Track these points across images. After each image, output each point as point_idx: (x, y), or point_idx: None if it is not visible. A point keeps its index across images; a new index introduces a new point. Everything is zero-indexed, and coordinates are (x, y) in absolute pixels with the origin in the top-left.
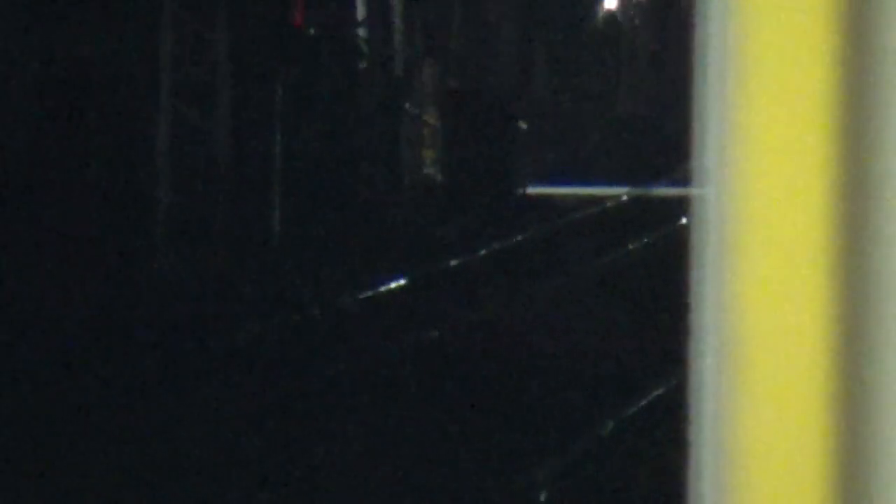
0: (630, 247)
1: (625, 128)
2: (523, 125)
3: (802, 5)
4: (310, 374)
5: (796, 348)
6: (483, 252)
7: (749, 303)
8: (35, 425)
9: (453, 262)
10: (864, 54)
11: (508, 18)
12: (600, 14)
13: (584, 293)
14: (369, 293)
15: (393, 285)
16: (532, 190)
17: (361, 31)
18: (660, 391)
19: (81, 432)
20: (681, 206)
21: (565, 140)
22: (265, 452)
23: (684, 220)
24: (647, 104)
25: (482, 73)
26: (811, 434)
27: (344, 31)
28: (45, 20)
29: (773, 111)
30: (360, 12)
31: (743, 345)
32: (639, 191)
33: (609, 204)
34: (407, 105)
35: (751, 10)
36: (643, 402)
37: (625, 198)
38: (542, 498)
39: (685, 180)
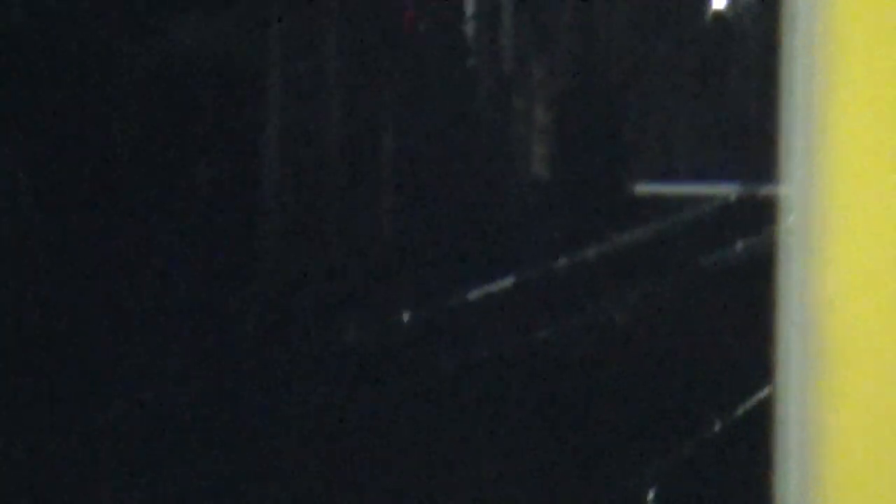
0: (738, 246)
1: (733, 127)
2: (632, 123)
3: (889, 5)
4: (418, 374)
5: (884, 349)
6: (591, 251)
7: (835, 303)
8: (149, 425)
9: (561, 262)
10: None
11: (618, 17)
12: (709, 14)
13: (691, 293)
14: (477, 293)
15: (501, 285)
16: (641, 188)
17: (470, 28)
18: (762, 394)
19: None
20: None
21: (674, 139)
22: (376, 455)
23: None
24: (756, 104)
25: (592, 71)
26: None
27: (453, 28)
28: (156, 14)
29: (859, 110)
30: (469, 9)
31: (830, 346)
32: (747, 189)
33: (717, 203)
34: (516, 102)
35: (839, 10)
36: (745, 405)
37: (733, 196)
38: (650, 497)
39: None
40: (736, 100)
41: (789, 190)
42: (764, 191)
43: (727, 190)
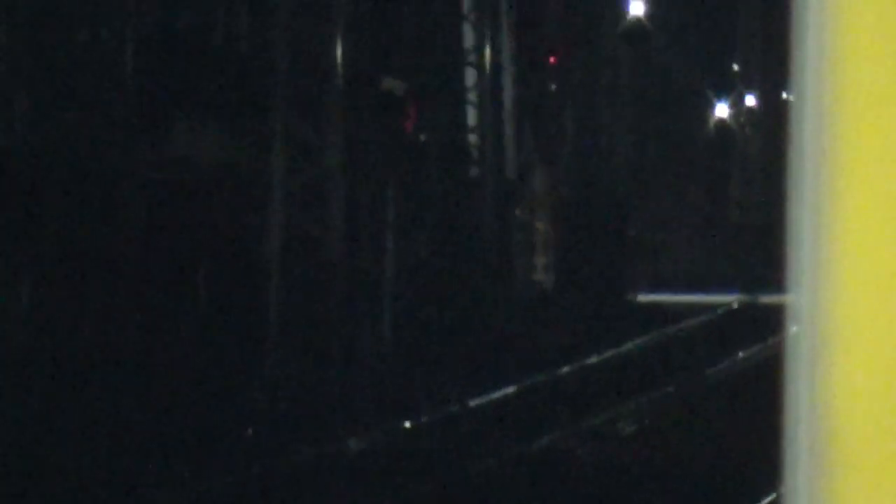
0: (741, 354)
1: (736, 235)
2: (634, 232)
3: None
4: (420, 482)
5: (892, 457)
6: (594, 360)
7: (842, 409)
8: None
9: (564, 370)
10: None
11: (621, 126)
12: (712, 122)
13: (695, 401)
14: (480, 401)
15: (503, 393)
16: (643, 297)
17: (472, 138)
18: (769, 499)
19: None
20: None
21: (676, 248)
22: None
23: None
24: (758, 212)
25: (594, 180)
26: None
27: (455, 138)
28: (162, 126)
29: (866, 221)
30: (472, 119)
31: (837, 452)
32: (749, 298)
33: (719, 311)
34: (518, 211)
35: (845, 123)
36: None
37: (735, 305)
38: None
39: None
40: (738, 208)
41: (797, 298)
42: (765, 299)
43: (728, 299)
